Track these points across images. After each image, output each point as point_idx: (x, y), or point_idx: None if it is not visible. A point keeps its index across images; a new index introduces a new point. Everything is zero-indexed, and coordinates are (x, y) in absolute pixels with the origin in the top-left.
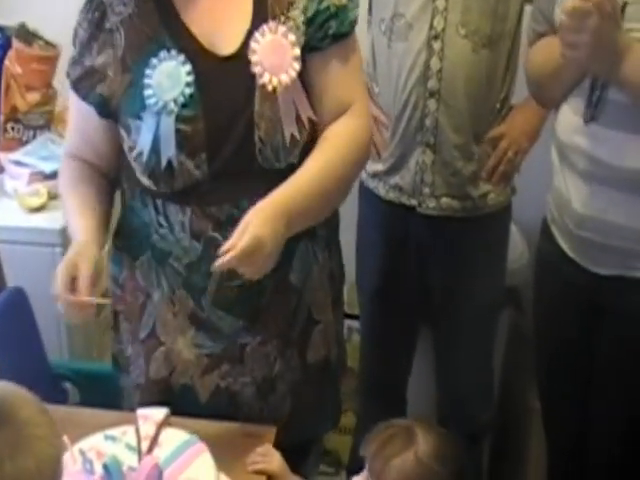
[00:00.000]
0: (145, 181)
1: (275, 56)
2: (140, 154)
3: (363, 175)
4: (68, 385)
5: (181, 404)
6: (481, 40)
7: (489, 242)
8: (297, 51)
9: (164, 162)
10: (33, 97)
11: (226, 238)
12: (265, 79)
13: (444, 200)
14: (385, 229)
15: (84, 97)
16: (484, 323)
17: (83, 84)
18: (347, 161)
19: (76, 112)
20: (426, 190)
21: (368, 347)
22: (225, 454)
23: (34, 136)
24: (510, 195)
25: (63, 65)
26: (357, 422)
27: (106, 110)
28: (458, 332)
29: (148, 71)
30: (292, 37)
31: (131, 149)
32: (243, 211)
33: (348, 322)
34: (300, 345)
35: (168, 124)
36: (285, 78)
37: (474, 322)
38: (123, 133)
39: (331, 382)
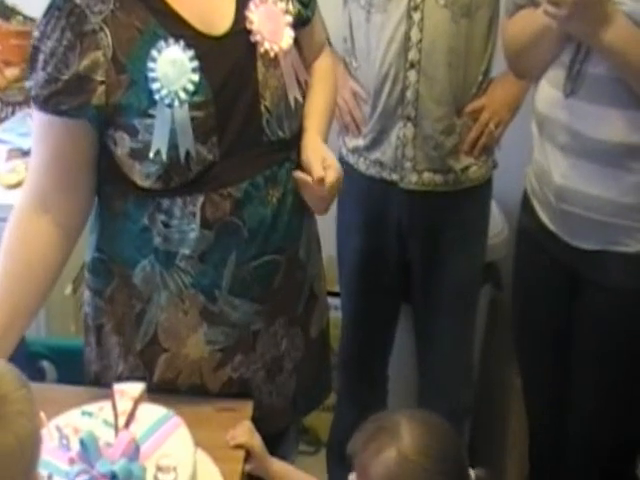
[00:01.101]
0: (149, 183)
1: (271, 24)
2: (157, 153)
3: (343, 151)
4: (45, 363)
5: (188, 397)
6: (460, 10)
7: (470, 217)
8: (289, 18)
9: (182, 154)
10: (12, 73)
11: (243, 220)
12: (266, 46)
13: (426, 175)
14: (366, 205)
15: (71, 113)
16: (464, 299)
17: (65, 99)
18: (335, 88)
19: (51, 143)
20: (407, 164)
21: (349, 324)
22: (202, 429)
23: (13, 112)
24: (491, 168)
25: None
26: (337, 400)
27: (101, 118)
28: (438, 308)
29: (151, 64)
30: (281, 5)
31: (137, 152)
32: (258, 187)
33: (328, 299)
34: (303, 321)
35: (183, 114)
36: (284, 44)
37: (454, 298)
38: (122, 137)
39: (327, 355)
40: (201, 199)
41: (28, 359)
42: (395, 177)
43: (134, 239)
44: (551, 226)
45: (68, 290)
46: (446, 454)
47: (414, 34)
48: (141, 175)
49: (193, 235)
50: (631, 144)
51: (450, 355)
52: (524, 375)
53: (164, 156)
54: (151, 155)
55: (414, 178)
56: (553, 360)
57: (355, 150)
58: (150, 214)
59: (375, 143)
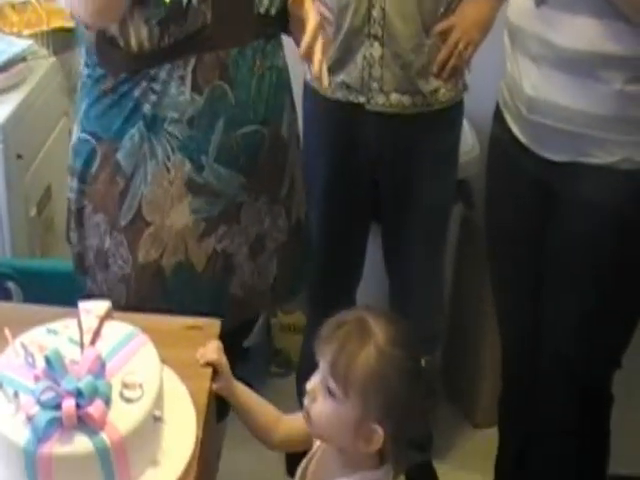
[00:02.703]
0: (144, 38)
1: None
2: None
3: (307, 76)
4: (11, 284)
5: (175, 283)
6: None
7: (440, 139)
8: None
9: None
10: None
11: (231, 85)
12: None
13: (394, 96)
14: (334, 129)
15: None
16: (435, 221)
17: None
18: None
19: None
20: (374, 85)
21: (318, 247)
22: (169, 347)
23: None
24: (462, 91)
25: None
26: (307, 322)
27: None
28: (408, 230)
29: None
30: None
31: None
32: (246, 57)
33: None
34: (286, 204)
35: None
36: None
37: (425, 220)
38: None
39: (306, 245)
40: (192, 61)
41: None
42: (362, 99)
43: (123, 112)
44: (522, 138)
45: (33, 212)
46: (410, 340)
47: None
48: (139, 26)
49: (183, 99)
50: (603, 53)
51: (420, 279)
52: (497, 295)
53: None
54: None
55: (381, 100)
56: (526, 278)
57: None
58: (140, 84)
59: (341, 64)
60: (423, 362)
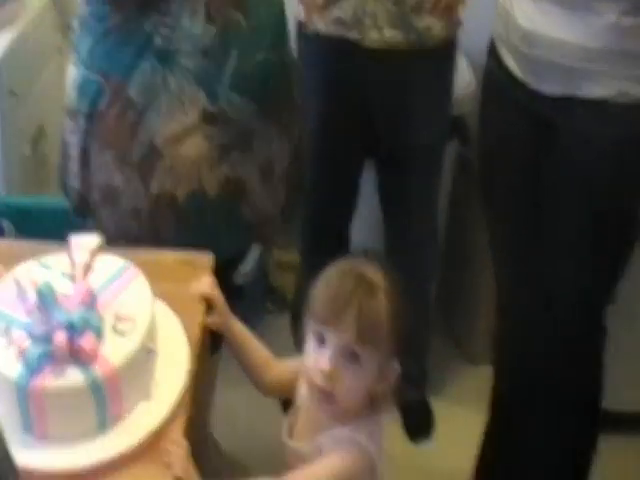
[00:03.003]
0: None
1: None
2: None
3: (301, 14)
4: (4, 222)
5: (188, 211)
6: None
7: (434, 76)
8: None
9: None
10: None
11: (245, 14)
12: None
13: (387, 32)
14: (328, 66)
15: None
16: (429, 158)
17: None
18: None
19: None
20: (367, 21)
21: (312, 185)
22: (162, 282)
23: None
24: (456, 28)
25: None
26: (300, 261)
27: None
28: (403, 167)
29: None
30: None
31: None
32: None
33: None
34: (288, 131)
35: None
36: None
37: (419, 157)
38: None
39: (303, 167)
40: None
41: None
42: (356, 35)
43: (134, 47)
44: (517, 71)
45: (27, 150)
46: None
47: None
48: None
49: (196, 31)
50: None
51: (415, 214)
52: (491, 231)
53: None
54: None
55: (375, 35)
56: (520, 209)
57: (313, 9)
58: (151, 21)
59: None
60: None
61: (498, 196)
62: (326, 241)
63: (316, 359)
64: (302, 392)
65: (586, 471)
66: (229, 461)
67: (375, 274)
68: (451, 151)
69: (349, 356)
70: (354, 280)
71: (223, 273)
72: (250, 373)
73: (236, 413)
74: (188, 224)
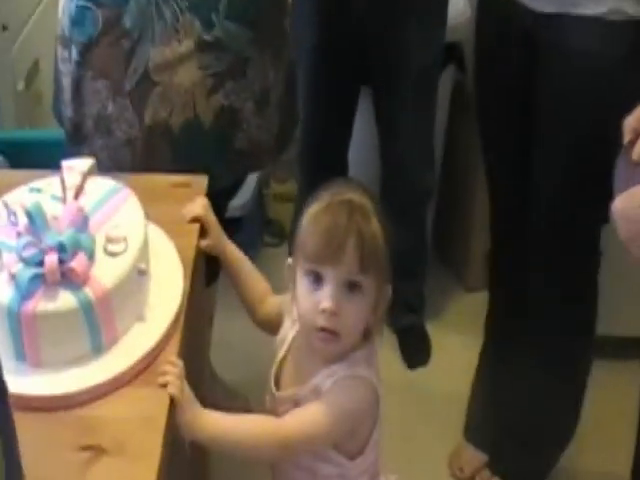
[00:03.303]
0: None
1: None
2: None
3: None
4: None
5: (183, 141)
6: None
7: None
8: None
9: None
10: None
11: None
12: None
13: None
14: None
15: None
16: (425, 80)
17: None
18: None
19: None
20: None
21: (308, 111)
22: (155, 205)
23: None
24: None
25: None
26: (297, 191)
27: None
28: (398, 90)
29: None
30: None
31: None
32: None
33: None
34: (281, 59)
35: None
36: None
37: (415, 79)
38: None
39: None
40: None
41: None
42: None
43: None
44: None
45: (21, 86)
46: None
47: None
48: None
49: None
50: None
51: (411, 137)
52: (486, 154)
53: None
54: None
55: None
56: (513, 138)
57: None
58: None
59: None
60: None
61: (493, 120)
62: (324, 169)
63: (314, 301)
64: (287, 338)
65: (581, 397)
66: (228, 391)
67: (361, 198)
68: (448, 78)
69: (350, 288)
70: (346, 209)
71: (218, 203)
72: (245, 303)
73: (234, 343)
74: (183, 154)
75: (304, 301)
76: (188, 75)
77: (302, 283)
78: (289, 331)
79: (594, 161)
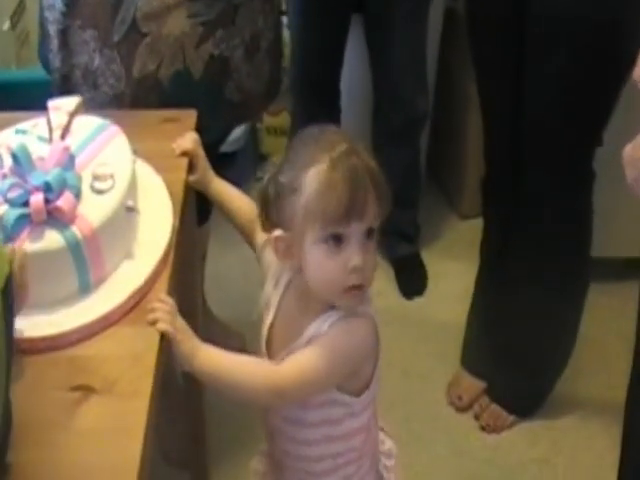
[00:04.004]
0: None
1: None
2: None
3: None
4: None
5: (173, 93)
6: None
7: None
8: None
9: None
10: None
11: None
12: None
13: None
14: None
15: None
16: (416, 7)
17: None
18: None
19: None
20: None
21: (298, 39)
22: (143, 141)
23: None
24: None
25: None
26: (291, 122)
27: None
28: (390, 15)
29: None
30: None
31: None
32: None
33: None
34: (271, 2)
35: None
36: None
37: (406, 6)
38: None
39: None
40: None
41: None
42: None
43: None
44: None
45: (6, 26)
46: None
47: None
48: None
49: None
50: None
51: (403, 62)
52: (479, 78)
53: None
54: None
55: None
56: (505, 63)
57: None
58: None
59: None
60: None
61: (484, 43)
62: (318, 97)
63: (340, 263)
64: (272, 302)
65: (578, 318)
66: (223, 329)
67: (352, 142)
68: (439, 3)
69: (368, 236)
70: (352, 160)
71: (209, 151)
72: (242, 233)
73: (230, 281)
74: (172, 107)
75: (325, 267)
76: (177, 24)
77: (317, 251)
78: (272, 296)
79: (590, 77)
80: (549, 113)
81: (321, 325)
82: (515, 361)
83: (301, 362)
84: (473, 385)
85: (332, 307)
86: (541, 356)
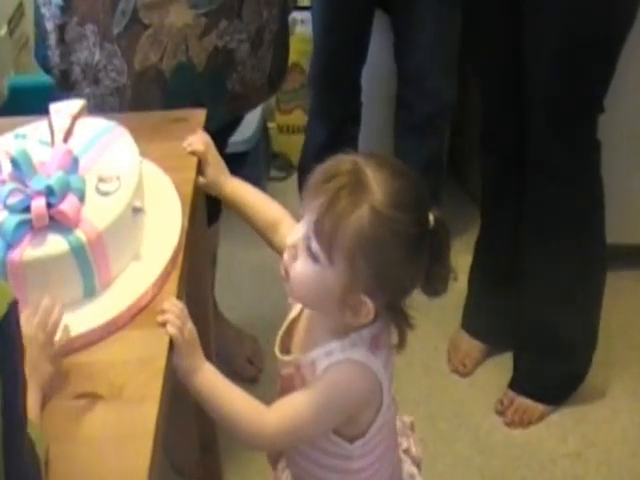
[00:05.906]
0: None
1: None
2: None
3: None
4: None
5: (176, 85)
6: None
7: None
8: None
9: None
10: None
11: None
12: None
13: None
14: None
15: None
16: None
17: None
18: None
19: None
20: None
21: (320, 33)
22: (151, 141)
23: None
24: None
25: None
26: (308, 118)
27: None
28: (418, 14)
29: None
30: None
31: None
32: None
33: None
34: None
35: None
36: None
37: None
38: None
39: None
40: None
41: None
42: None
43: None
44: None
45: (4, 31)
46: (416, 203)
47: None
48: None
49: None
50: None
51: (431, 48)
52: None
53: None
54: None
55: None
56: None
57: None
58: None
59: None
60: (432, 219)
61: (483, 21)
62: (338, 94)
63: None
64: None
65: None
66: (236, 332)
67: (377, 185)
68: None
69: (308, 249)
70: (349, 171)
71: (217, 142)
72: (260, 234)
73: (241, 284)
74: (174, 100)
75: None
76: (180, 16)
77: None
78: None
79: (587, 41)
80: (550, 76)
81: (322, 358)
82: (541, 344)
83: (287, 412)
84: (473, 347)
85: (341, 330)
86: (571, 332)
